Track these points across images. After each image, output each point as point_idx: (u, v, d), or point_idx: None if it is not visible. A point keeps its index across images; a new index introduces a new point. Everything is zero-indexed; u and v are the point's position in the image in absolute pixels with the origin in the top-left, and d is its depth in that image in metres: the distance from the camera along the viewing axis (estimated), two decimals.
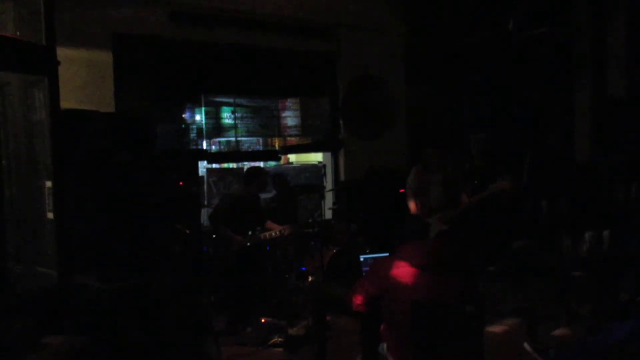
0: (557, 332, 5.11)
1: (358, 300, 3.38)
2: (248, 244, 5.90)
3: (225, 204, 6.11)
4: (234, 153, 7.67)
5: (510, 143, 7.91)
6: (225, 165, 7.84)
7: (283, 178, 6.87)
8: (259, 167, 6.61)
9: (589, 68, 7.71)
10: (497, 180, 5.83)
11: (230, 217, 5.87)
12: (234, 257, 5.79)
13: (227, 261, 5.80)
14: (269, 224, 6.20)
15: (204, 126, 7.30)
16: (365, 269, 4.01)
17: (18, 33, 4.05)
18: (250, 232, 6.07)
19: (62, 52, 4.23)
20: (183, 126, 7.19)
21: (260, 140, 8.11)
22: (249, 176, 6.12)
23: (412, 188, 6.00)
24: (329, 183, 8.07)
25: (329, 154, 8.43)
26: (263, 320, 5.54)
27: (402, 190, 6.16)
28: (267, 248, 6.28)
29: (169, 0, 6.65)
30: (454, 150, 7.63)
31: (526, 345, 4.70)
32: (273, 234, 6.06)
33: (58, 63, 4.10)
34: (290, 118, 8.14)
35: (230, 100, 7.57)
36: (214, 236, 6.04)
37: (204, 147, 7.35)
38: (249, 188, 6.08)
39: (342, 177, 8.32)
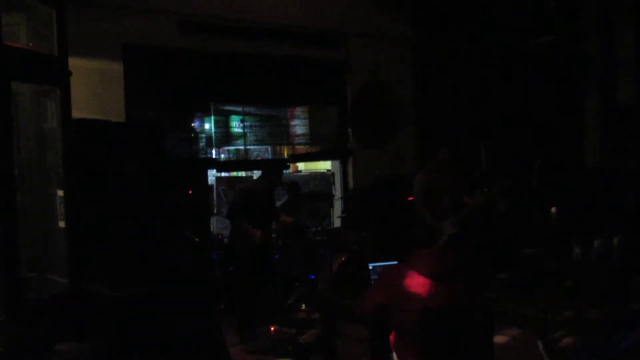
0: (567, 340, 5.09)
1: (367, 308, 3.37)
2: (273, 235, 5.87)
3: (241, 197, 6.01)
4: (243, 161, 7.71)
5: (519, 149, 7.89)
6: (234, 173, 7.87)
7: (297, 186, 6.88)
8: (280, 160, 6.62)
9: (598, 74, 7.69)
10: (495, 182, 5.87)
11: (246, 211, 5.73)
12: (252, 256, 5.69)
13: (246, 259, 5.70)
14: (283, 217, 6.18)
15: (213, 135, 7.34)
16: (374, 277, 4.00)
17: (31, 44, 4.10)
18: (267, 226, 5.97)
19: (73, 63, 4.29)
20: (192, 135, 7.23)
21: (269, 148, 8.14)
22: (268, 169, 5.96)
23: (421, 193, 5.96)
24: (337, 191, 8.09)
25: (337, 162, 8.45)
26: (272, 329, 5.56)
27: (410, 198, 6.16)
28: (277, 256, 6.30)
29: (178, 11, 6.72)
30: (464, 157, 7.63)
31: (540, 345, 4.67)
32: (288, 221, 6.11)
33: (70, 73, 4.16)
34: (299, 126, 8.18)
35: (239, 108, 7.62)
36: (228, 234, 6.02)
37: (213, 155, 7.38)
38: (265, 181, 5.89)
39: (350, 185, 8.34)
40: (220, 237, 6.60)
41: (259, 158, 7.91)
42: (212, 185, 7.14)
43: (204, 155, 7.25)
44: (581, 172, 7.34)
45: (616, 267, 4.74)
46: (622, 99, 7.54)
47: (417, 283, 3.18)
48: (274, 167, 6.03)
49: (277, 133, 7.99)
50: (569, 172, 7.10)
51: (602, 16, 7.62)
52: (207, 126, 7.36)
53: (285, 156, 8.16)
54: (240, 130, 7.59)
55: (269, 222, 5.95)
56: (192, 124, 7.28)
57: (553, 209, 5.94)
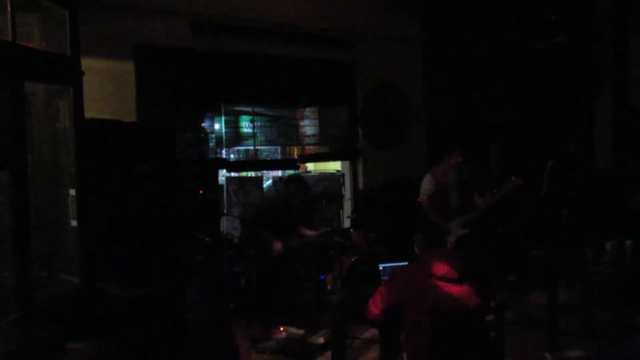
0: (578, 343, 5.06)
1: (377, 309, 3.38)
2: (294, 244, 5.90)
3: (265, 206, 6.15)
4: (253, 161, 7.73)
5: (531, 152, 7.86)
6: (244, 173, 7.89)
7: (301, 179, 6.92)
8: (300, 175, 6.70)
9: (609, 77, 7.65)
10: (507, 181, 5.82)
11: (269, 220, 5.88)
12: (273, 262, 5.78)
13: (266, 266, 5.78)
14: (302, 229, 6.21)
15: (223, 135, 7.36)
16: (384, 278, 4.00)
17: (44, 44, 4.14)
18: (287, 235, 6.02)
19: (86, 63, 4.32)
20: (203, 135, 7.25)
21: (279, 148, 8.15)
22: (290, 181, 6.17)
23: (429, 194, 5.98)
24: (347, 192, 8.08)
25: (347, 163, 8.44)
26: (282, 329, 5.56)
27: (419, 199, 6.16)
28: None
29: (190, 12, 6.74)
30: (474, 159, 7.61)
31: (547, 356, 4.66)
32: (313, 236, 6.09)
33: (82, 73, 4.18)
34: (308, 127, 8.17)
35: (250, 109, 7.63)
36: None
37: (224, 155, 7.40)
38: (288, 192, 6.08)
39: (360, 185, 8.33)
40: (230, 237, 6.61)
41: (268, 158, 7.92)
42: (222, 185, 7.16)
43: (214, 156, 7.27)
44: (593, 174, 7.30)
45: (628, 270, 4.70)
46: (633, 101, 7.50)
47: (427, 284, 3.18)
48: (296, 179, 6.18)
49: (287, 133, 8.00)
50: (580, 174, 7.05)
51: (615, 18, 7.58)
52: (217, 126, 7.38)
53: (295, 156, 8.17)
54: (250, 131, 7.60)
55: (288, 231, 6.04)
56: (203, 124, 7.30)
57: (564, 211, 5.92)
